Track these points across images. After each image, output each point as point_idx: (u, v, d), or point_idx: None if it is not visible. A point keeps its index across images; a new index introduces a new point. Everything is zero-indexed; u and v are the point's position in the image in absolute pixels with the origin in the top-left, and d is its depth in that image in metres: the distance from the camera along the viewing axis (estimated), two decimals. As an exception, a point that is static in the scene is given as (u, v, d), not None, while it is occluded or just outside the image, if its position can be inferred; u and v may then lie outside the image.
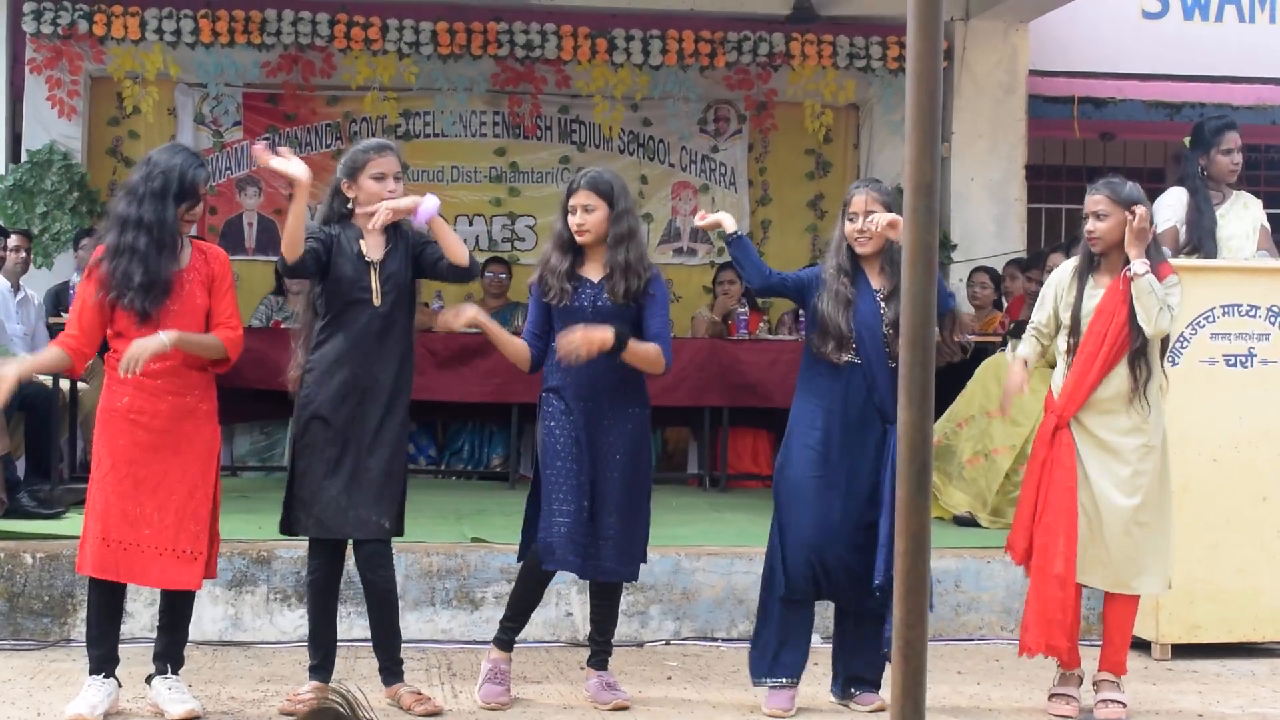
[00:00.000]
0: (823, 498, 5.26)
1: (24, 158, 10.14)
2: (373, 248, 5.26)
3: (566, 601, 6.42)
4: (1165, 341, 5.47)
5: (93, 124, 10.61)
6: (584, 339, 5.13)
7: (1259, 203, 7.03)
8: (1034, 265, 9.38)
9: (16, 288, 8.79)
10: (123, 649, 5.22)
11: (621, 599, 5.67)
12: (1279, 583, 6.47)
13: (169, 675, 5.13)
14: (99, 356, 5.36)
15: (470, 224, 11.14)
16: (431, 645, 6.34)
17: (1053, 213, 12.11)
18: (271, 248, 10.75)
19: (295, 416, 5.30)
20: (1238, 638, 6.50)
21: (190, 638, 5.31)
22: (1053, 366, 5.66)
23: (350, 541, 5.33)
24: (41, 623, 6.28)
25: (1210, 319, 6.38)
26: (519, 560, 5.53)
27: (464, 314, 5.26)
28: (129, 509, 4.97)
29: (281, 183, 10.90)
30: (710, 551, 6.76)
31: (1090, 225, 5.43)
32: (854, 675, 5.45)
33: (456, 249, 5.24)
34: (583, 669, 5.63)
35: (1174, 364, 5.47)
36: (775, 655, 5.35)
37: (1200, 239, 6.71)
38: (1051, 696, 5.52)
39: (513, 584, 6.45)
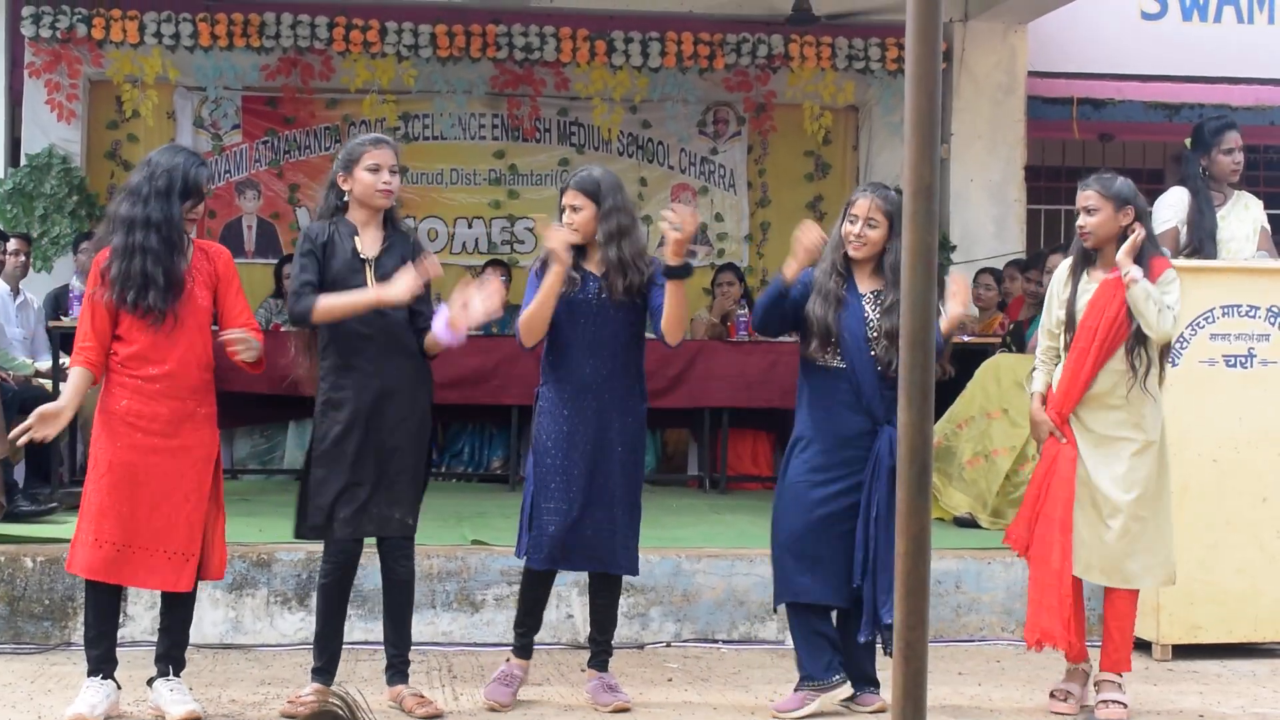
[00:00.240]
0: (815, 501, 5.27)
1: (23, 161, 10.15)
2: (368, 245, 5.25)
3: (567, 604, 6.42)
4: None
5: (92, 128, 10.61)
6: (686, 223, 5.13)
7: (1260, 203, 7.03)
8: (1033, 266, 9.38)
9: (16, 291, 8.79)
10: (124, 652, 5.22)
11: (621, 600, 5.67)
12: (1279, 583, 6.46)
13: (170, 677, 5.13)
14: None
15: (469, 226, 11.15)
16: (432, 648, 6.34)
17: (1052, 214, 12.11)
18: (270, 251, 10.77)
19: (315, 421, 5.28)
20: (1238, 638, 6.50)
21: (191, 641, 5.30)
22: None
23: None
24: (42, 626, 6.28)
25: (1210, 319, 6.38)
26: (517, 556, 5.53)
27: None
28: (123, 511, 4.97)
29: (281, 186, 10.92)
30: (711, 553, 6.76)
31: (1081, 220, 5.44)
32: (855, 676, 5.44)
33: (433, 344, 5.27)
34: (583, 670, 5.63)
35: (1174, 364, 5.48)
36: (803, 658, 5.36)
37: (1201, 240, 6.70)
38: (1052, 693, 5.53)
39: (512, 586, 6.48)
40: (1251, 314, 6.45)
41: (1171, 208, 6.76)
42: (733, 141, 11.37)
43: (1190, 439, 6.28)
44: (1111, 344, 5.35)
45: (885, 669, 5.45)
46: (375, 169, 5.22)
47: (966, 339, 9.02)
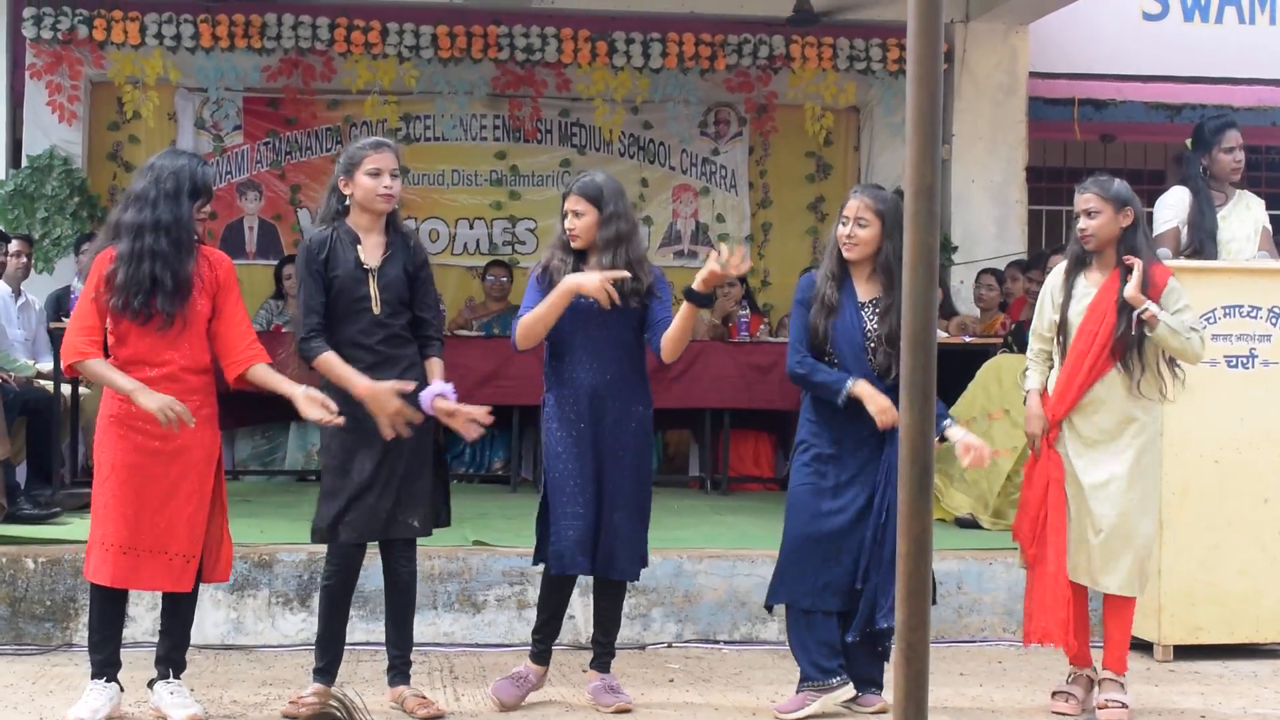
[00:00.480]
0: (817, 507, 5.27)
1: (24, 163, 10.14)
2: (371, 253, 5.25)
3: (569, 605, 6.41)
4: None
5: (93, 129, 10.61)
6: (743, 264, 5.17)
7: (1261, 203, 7.02)
8: (1035, 266, 9.38)
9: (17, 293, 8.79)
10: (125, 653, 5.22)
11: (624, 601, 5.66)
12: (1281, 584, 6.47)
13: (171, 679, 5.13)
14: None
15: (471, 227, 11.15)
16: (433, 648, 6.34)
17: (1053, 214, 12.11)
18: (271, 252, 10.77)
19: (322, 430, 5.27)
20: (1239, 639, 6.50)
21: (192, 642, 5.30)
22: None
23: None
24: (44, 627, 6.28)
25: (1211, 320, 6.37)
26: (535, 564, 5.53)
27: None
28: (129, 514, 4.98)
29: (282, 187, 10.93)
30: (712, 554, 6.76)
31: (1083, 223, 5.44)
32: (857, 677, 5.44)
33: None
34: (585, 671, 5.63)
35: (1176, 365, 5.47)
36: (802, 661, 5.36)
37: (1202, 240, 6.70)
38: (1055, 694, 5.53)
39: (514, 587, 6.48)
40: (1253, 314, 6.45)
41: (1172, 208, 6.76)
42: (734, 142, 11.37)
43: (1191, 439, 6.28)
44: (1112, 349, 5.34)
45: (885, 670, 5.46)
46: (376, 173, 5.21)
47: (968, 339, 9.03)
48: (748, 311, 9.73)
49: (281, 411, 9.40)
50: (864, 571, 5.22)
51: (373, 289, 5.20)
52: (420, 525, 5.31)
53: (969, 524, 7.78)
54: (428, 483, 5.33)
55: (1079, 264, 5.50)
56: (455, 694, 5.60)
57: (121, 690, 5.13)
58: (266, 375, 5.10)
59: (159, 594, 5.29)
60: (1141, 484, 5.41)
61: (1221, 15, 11.96)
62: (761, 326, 10.08)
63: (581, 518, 5.27)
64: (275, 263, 10.31)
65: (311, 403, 4.98)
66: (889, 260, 5.28)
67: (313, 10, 10.12)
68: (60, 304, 8.80)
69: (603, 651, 5.52)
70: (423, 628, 6.37)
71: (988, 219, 10.93)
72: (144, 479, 4.99)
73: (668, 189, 11.31)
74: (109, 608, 5.10)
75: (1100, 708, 5.41)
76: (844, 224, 5.34)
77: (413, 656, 5.47)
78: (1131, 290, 5.27)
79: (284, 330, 8.96)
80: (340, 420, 4.98)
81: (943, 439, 5.20)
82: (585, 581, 5.88)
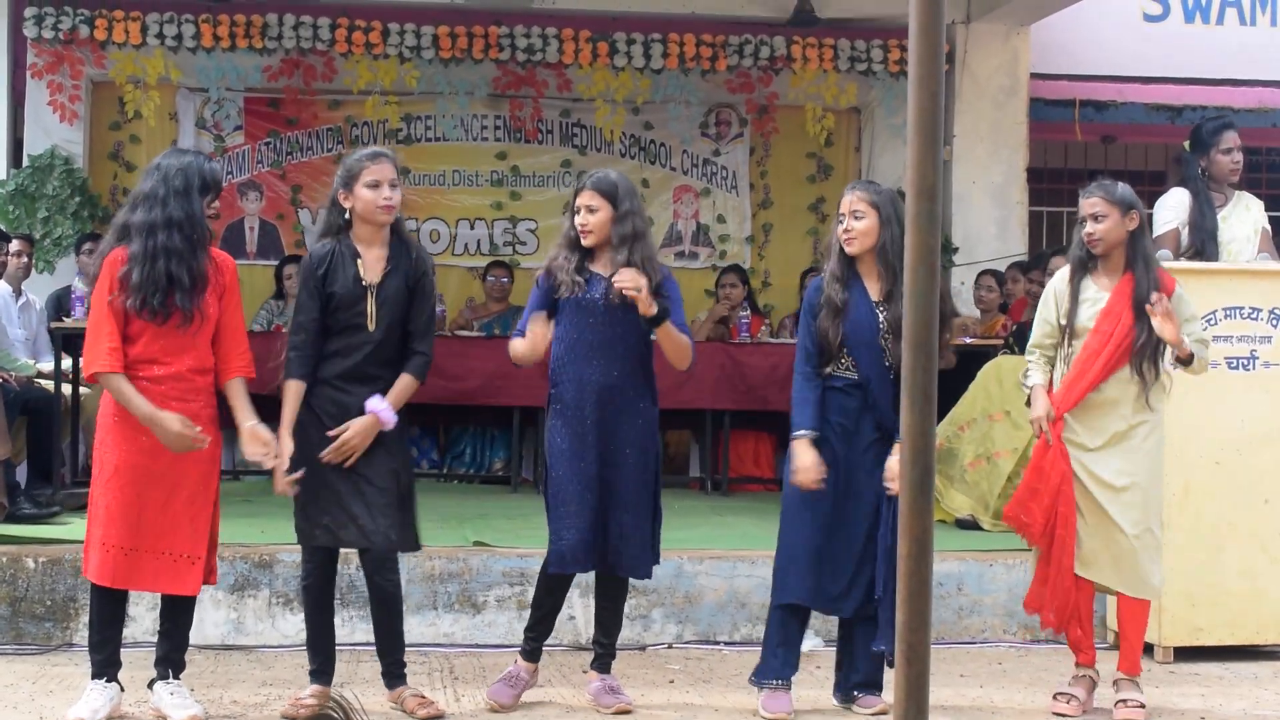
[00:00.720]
0: (821, 507, 5.27)
1: (25, 162, 10.15)
2: (371, 269, 5.23)
3: (569, 604, 6.40)
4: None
5: (94, 129, 10.62)
6: (634, 280, 5.14)
7: (1260, 204, 7.02)
8: (1034, 267, 9.38)
9: (18, 293, 8.79)
10: (124, 653, 5.22)
11: (625, 602, 5.65)
12: (1281, 585, 6.47)
13: (171, 680, 5.13)
14: None
15: (471, 228, 11.15)
16: (434, 649, 6.34)
17: (1054, 215, 12.11)
18: (272, 252, 10.78)
19: (296, 433, 5.25)
20: (1240, 640, 6.49)
21: (192, 642, 5.30)
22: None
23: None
24: (44, 627, 6.28)
25: (1212, 321, 6.37)
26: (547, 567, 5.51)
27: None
28: (130, 515, 4.97)
29: (283, 187, 10.93)
30: (713, 555, 6.76)
31: (1090, 228, 5.43)
32: (857, 679, 5.44)
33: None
34: (585, 672, 5.63)
35: (1176, 367, 5.47)
36: (777, 658, 5.35)
37: (1202, 241, 6.70)
38: (1056, 695, 5.53)
39: (514, 587, 6.48)
40: (1254, 316, 6.46)
41: (1172, 209, 6.76)
42: (735, 143, 11.37)
43: (1192, 441, 6.28)
44: (1124, 352, 5.35)
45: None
46: (375, 185, 5.20)
47: (969, 341, 9.02)
48: (748, 313, 9.73)
49: (281, 412, 9.42)
50: (884, 580, 5.18)
51: (370, 306, 5.20)
52: (398, 539, 5.24)
53: (969, 525, 7.77)
54: (399, 496, 5.26)
55: (1083, 268, 5.50)
56: (455, 694, 5.60)
57: (121, 690, 5.13)
58: (235, 392, 5.13)
59: (158, 594, 5.28)
60: (1157, 487, 5.43)
61: (1222, 17, 11.95)
62: (762, 327, 10.08)
63: (584, 517, 5.25)
64: (276, 263, 10.32)
65: (253, 439, 5.04)
66: (884, 247, 5.27)
67: (314, 10, 10.12)
68: (61, 304, 8.80)
69: (603, 652, 5.51)
70: (423, 628, 6.37)
71: (988, 220, 10.93)
72: (146, 479, 4.98)
73: (668, 190, 11.31)
74: (109, 608, 5.10)
75: (1117, 707, 5.41)
76: (840, 220, 5.34)
77: (413, 657, 5.47)
78: (1165, 329, 5.27)
79: (284, 330, 8.96)
80: (281, 464, 5.07)
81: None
82: (586, 581, 5.87)
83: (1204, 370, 5.48)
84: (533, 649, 5.46)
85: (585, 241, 5.35)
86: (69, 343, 8.09)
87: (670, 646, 6.55)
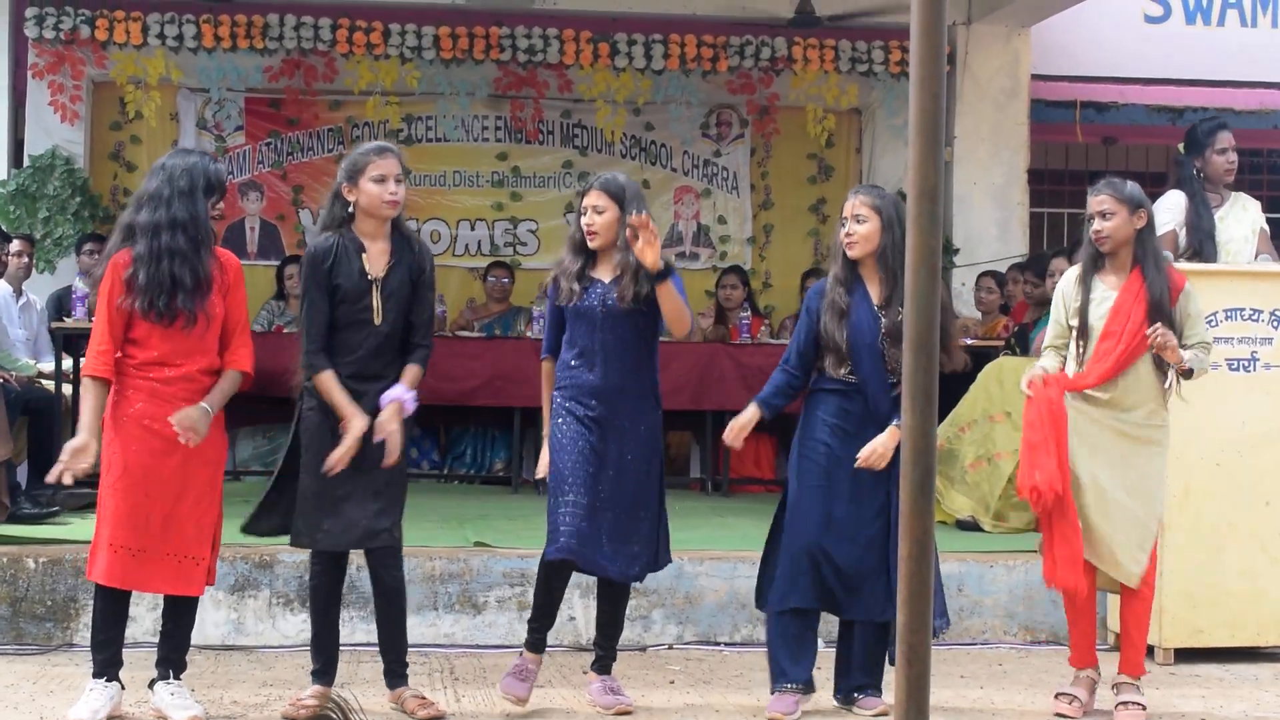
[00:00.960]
0: (822, 508, 5.27)
1: (26, 163, 10.15)
2: (375, 263, 5.23)
3: (569, 605, 6.40)
4: None
5: (95, 129, 10.63)
6: (646, 226, 5.10)
7: (1257, 204, 7.02)
8: (1030, 268, 9.37)
9: (19, 292, 8.79)
10: (125, 653, 5.21)
11: (627, 606, 5.64)
12: (1282, 587, 6.47)
13: (171, 680, 5.13)
14: None
15: (472, 229, 11.15)
16: (434, 649, 6.34)
17: (1055, 217, 12.11)
18: (273, 252, 10.78)
19: (303, 429, 5.25)
20: (1240, 642, 6.49)
21: (193, 642, 5.29)
22: None
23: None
24: (44, 627, 6.28)
25: (1213, 323, 6.37)
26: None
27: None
28: (137, 515, 4.97)
29: (284, 188, 10.93)
30: (713, 556, 6.76)
31: (1098, 225, 5.43)
32: (858, 680, 5.44)
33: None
34: (585, 673, 5.63)
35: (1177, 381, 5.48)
36: (783, 661, 5.35)
37: (1200, 242, 6.70)
38: (1057, 696, 5.53)
39: (514, 588, 6.48)
40: (1255, 317, 6.46)
41: (1169, 211, 6.75)
42: (736, 144, 11.37)
43: (1193, 442, 6.27)
44: (1137, 348, 5.34)
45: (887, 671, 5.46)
46: (381, 179, 5.20)
47: (970, 342, 9.02)
48: (749, 313, 9.73)
49: (282, 411, 9.42)
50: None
51: (375, 300, 5.20)
52: (399, 534, 5.26)
53: (970, 526, 7.77)
54: (401, 490, 5.28)
55: (1093, 265, 5.50)
56: (456, 695, 5.60)
57: (122, 688, 5.13)
58: (222, 377, 5.11)
59: (160, 594, 5.28)
60: (1160, 487, 5.45)
61: (1223, 18, 11.95)
62: (762, 328, 10.08)
63: (581, 507, 5.23)
64: (277, 263, 10.31)
65: (186, 420, 4.93)
66: (885, 252, 5.27)
67: (315, 11, 10.12)
68: (61, 304, 8.80)
69: (604, 654, 5.51)
70: (423, 629, 6.37)
71: (989, 221, 10.93)
72: (153, 480, 4.98)
73: (669, 190, 11.31)
74: (112, 607, 5.10)
75: (1118, 709, 5.41)
76: (843, 224, 5.35)
77: (413, 658, 5.46)
78: (1174, 359, 5.29)
79: (285, 330, 8.97)
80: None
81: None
82: (587, 582, 5.87)
83: (1205, 373, 5.48)
84: (536, 640, 5.43)
85: (591, 243, 5.34)
86: (69, 343, 8.10)
87: (671, 647, 6.55)
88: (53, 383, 8.17)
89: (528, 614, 5.54)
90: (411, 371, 5.24)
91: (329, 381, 5.14)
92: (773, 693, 5.36)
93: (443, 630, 6.47)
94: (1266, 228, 6.99)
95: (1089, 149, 12.13)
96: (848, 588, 5.29)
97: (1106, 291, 5.45)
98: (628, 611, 5.66)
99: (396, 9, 10.24)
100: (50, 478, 5.07)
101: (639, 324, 5.33)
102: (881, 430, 5.24)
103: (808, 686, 5.36)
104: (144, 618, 6.10)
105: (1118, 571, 5.39)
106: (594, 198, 5.34)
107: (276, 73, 10.53)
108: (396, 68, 10.30)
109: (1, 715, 5.15)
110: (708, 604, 6.63)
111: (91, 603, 5.30)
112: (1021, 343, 8.76)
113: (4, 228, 9.20)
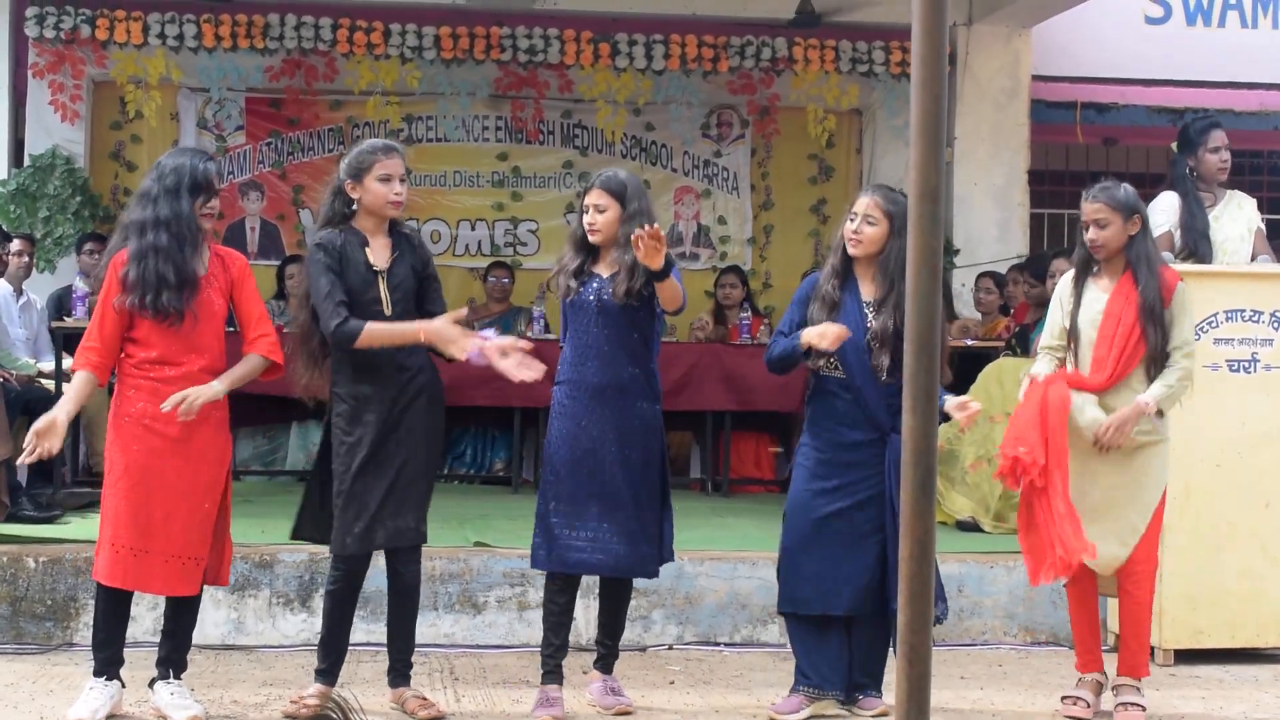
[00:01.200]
0: (819, 510, 5.27)
1: (26, 162, 10.15)
2: (379, 255, 5.24)
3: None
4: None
5: (95, 128, 10.62)
6: (659, 238, 5.03)
7: (1253, 202, 7.01)
8: (1028, 268, 9.37)
9: (19, 292, 8.79)
10: (126, 652, 5.22)
11: (629, 605, 5.63)
12: (1282, 588, 6.47)
13: (171, 680, 5.13)
14: None
15: (472, 229, 11.15)
16: (434, 650, 6.34)
17: (1055, 217, 12.10)
18: (273, 252, 10.77)
19: (336, 437, 5.21)
20: (1241, 643, 6.49)
21: (193, 642, 5.30)
22: None
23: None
24: (44, 627, 6.28)
25: (1213, 324, 6.37)
26: (532, 566, 5.48)
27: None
28: (140, 515, 4.98)
29: (284, 187, 10.93)
30: (713, 556, 6.76)
31: (1092, 234, 5.43)
32: (858, 679, 5.44)
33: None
34: (586, 673, 5.63)
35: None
36: (801, 663, 5.36)
37: (1194, 242, 6.69)
38: (1064, 698, 5.54)
39: (514, 588, 6.48)
40: (1255, 319, 6.46)
41: (1164, 212, 6.75)
42: (736, 144, 11.36)
43: (1193, 443, 6.27)
44: (1133, 353, 5.34)
45: (889, 670, 5.46)
46: (386, 179, 5.20)
47: (970, 343, 9.03)
48: (749, 314, 9.73)
49: (283, 412, 9.44)
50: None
51: (383, 291, 5.20)
52: (425, 530, 5.30)
53: (970, 527, 7.77)
54: (427, 486, 5.30)
55: (1085, 270, 5.51)
56: (456, 695, 5.60)
57: (123, 686, 5.14)
58: (241, 360, 5.14)
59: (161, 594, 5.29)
60: (1154, 493, 5.45)
61: (1224, 19, 11.95)
62: (762, 329, 10.07)
63: (572, 514, 5.24)
64: (277, 263, 10.31)
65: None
66: (889, 258, 5.27)
67: (315, 11, 10.11)
68: (62, 303, 8.80)
69: (605, 653, 5.50)
70: (423, 629, 6.36)
71: (990, 222, 10.93)
72: (157, 480, 4.99)
73: (669, 191, 11.30)
74: (114, 607, 5.10)
75: (1118, 710, 5.41)
76: (851, 220, 5.33)
77: (414, 657, 5.46)
78: (1126, 441, 5.31)
79: (287, 331, 8.95)
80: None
81: (946, 417, 5.18)
82: (588, 582, 5.87)
83: (1177, 401, 5.45)
84: (552, 668, 5.32)
85: (593, 240, 5.35)
86: (70, 342, 8.08)
87: (671, 648, 6.55)
88: (52, 382, 8.16)
89: (528, 614, 5.54)
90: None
91: (375, 329, 5.09)
92: (790, 692, 5.37)
93: (443, 630, 6.47)
94: (1263, 226, 6.98)
95: (1089, 150, 12.13)
96: (845, 584, 5.28)
97: (1098, 295, 5.45)
98: (628, 611, 5.66)
99: (397, 9, 10.24)
100: (20, 460, 5.11)
101: (635, 319, 5.32)
102: (876, 430, 5.23)
103: (821, 691, 5.34)
104: (145, 617, 6.10)
105: (1095, 562, 5.37)
106: (595, 196, 5.34)
107: (277, 72, 10.53)
108: (397, 68, 10.29)
109: (1, 715, 5.16)
110: (708, 604, 6.63)
111: (92, 602, 5.31)
112: (1022, 344, 8.76)
113: (4, 227, 9.20)
